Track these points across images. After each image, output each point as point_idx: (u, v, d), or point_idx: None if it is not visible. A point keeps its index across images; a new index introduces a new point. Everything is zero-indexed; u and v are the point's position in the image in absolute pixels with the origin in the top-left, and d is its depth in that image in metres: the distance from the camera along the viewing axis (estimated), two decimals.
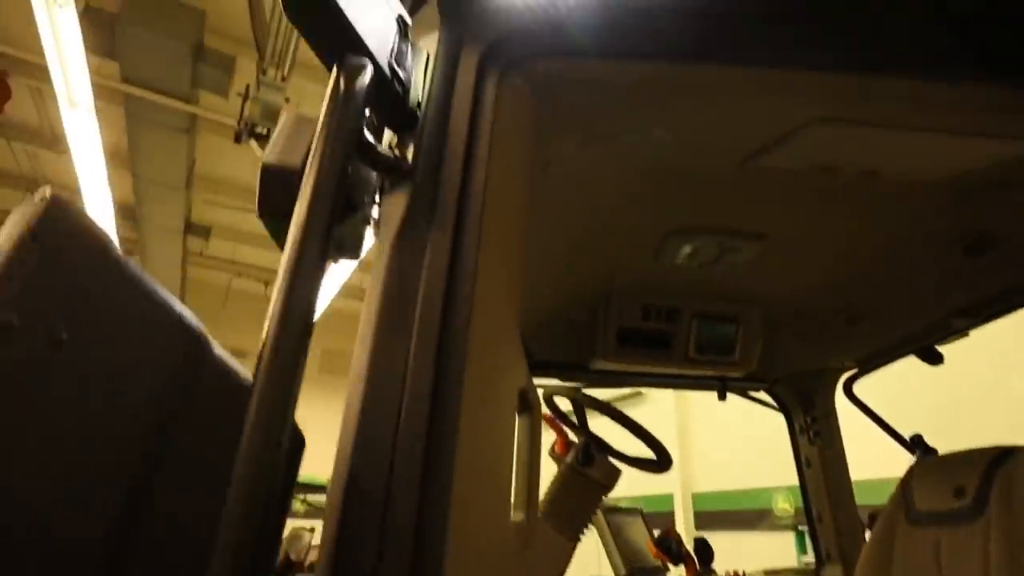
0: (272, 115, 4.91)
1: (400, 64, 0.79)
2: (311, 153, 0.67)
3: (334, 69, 0.68)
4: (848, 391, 2.37)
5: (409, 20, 0.85)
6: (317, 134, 0.66)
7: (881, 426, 2.30)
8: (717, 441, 7.05)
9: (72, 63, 4.80)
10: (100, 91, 5.67)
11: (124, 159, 7.21)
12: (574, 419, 2.14)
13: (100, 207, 6.99)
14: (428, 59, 0.87)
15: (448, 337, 0.72)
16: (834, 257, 1.74)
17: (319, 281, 0.66)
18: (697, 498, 7.37)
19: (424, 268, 0.74)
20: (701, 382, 2.38)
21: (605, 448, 1.93)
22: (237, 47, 5.78)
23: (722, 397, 2.34)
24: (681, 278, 1.91)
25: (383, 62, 0.75)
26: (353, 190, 0.81)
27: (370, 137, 0.81)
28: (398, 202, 0.78)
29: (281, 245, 0.89)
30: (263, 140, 5.03)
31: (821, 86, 1.00)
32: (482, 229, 0.78)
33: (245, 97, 5.18)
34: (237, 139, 5.10)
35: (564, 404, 2.20)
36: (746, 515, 6.66)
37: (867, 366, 2.31)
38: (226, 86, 5.71)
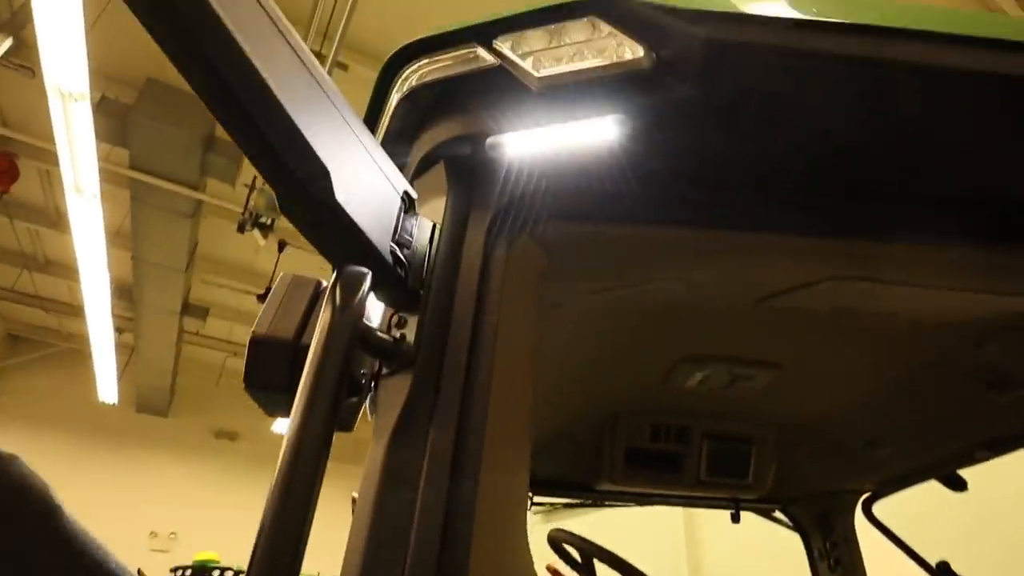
0: (276, 207, 4.99)
1: (402, 244, 0.76)
2: (312, 350, 0.62)
3: (333, 275, 0.65)
4: (868, 512, 2.26)
5: (415, 194, 0.83)
6: (316, 337, 0.62)
7: (904, 550, 2.17)
8: (732, 554, 6.63)
9: (81, 153, 4.90)
10: (107, 175, 5.77)
11: (125, 239, 7.26)
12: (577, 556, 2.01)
13: (97, 287, 6.96)
14: (435, 229, 0.84)
15: (449, 554, 0.65)
16: (850, 385, 1.69)
17: (321, 471, 0.60)
18: None
19: (424, 467, 0.68)
20: (713, 501, 2.27)
21: None
22: None
23: (736, 519, 2.22)
24: (691, 398, 1.85)
25: (384, 249, 0.71)
26: (353, 375, 0.76)
27: (370, 321, 0.77)
28: (397, 390, 0.73)
29: (271, 415, 0.84)
30: (266, 230, 5.06)
31: (831, 250, 0.98)
32: (488, 415, 0.73)
33: (251, 188, 5.27)
34: (240, 229, 5.15)
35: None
36: None
37: (886, 489, 2.21)
38: (234, 175, 5.82)
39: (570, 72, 0.85)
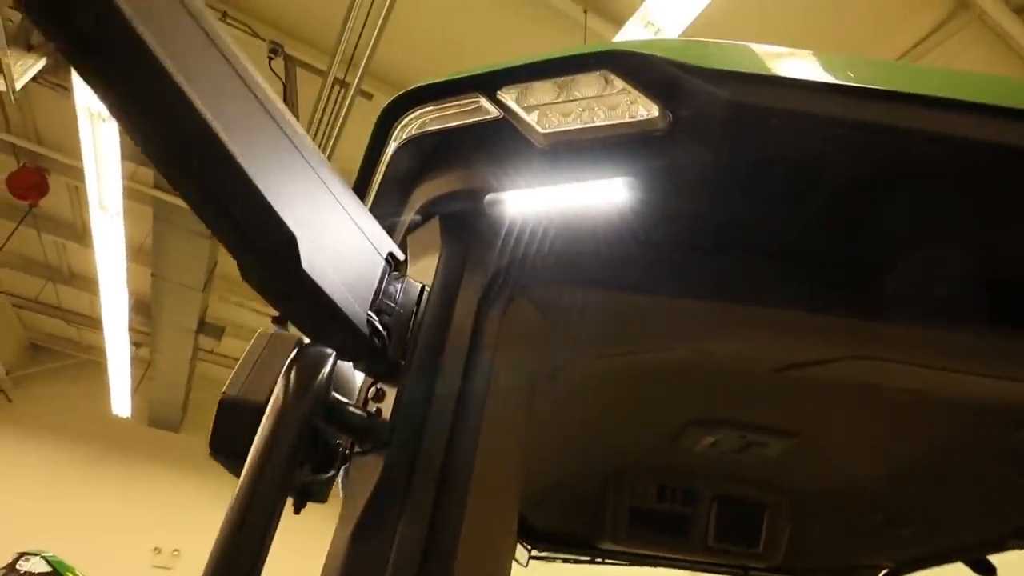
0: None
1: (383, 311, 0.71)
2: (259, 432, 0.56)
3: (293, 352, 0.59)
4: None
5: (401, 255, 0.77)
6: (269, 409, 0.56)
7: None
8: None
9: (107, 171, 4.98)
10: (132, 193, 5.86)
11: (146, 256, 7.34)
12: None
13: (116, 301, 7.04)
14: (423, 292, 0.79)
15: None
16: (872, 459, 1.59)
17: (265, 550, 0.53)
18: None
19: (389, 566, 0.61)
20: (721, 568, 2.14)
21: None
22: None
23: None
24: (701, 458, 1.75)
25: (359, 319, 0.66)
26: (329, 444, 0.70)
27: (353, 384, 0.71)
28: (368, 472, 0.67)
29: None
30: None
31: (851, 329, 0.91)
32: (466, 507, 0.66)
33: None
34: None
35: None
36: None
37: (907, 567, 2.07)
38: None
39: (578, 130, 0.79)
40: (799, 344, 0.97)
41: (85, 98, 4.22)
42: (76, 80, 4.01)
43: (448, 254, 0.82)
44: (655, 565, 2.12)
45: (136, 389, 9.49)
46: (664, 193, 0.80)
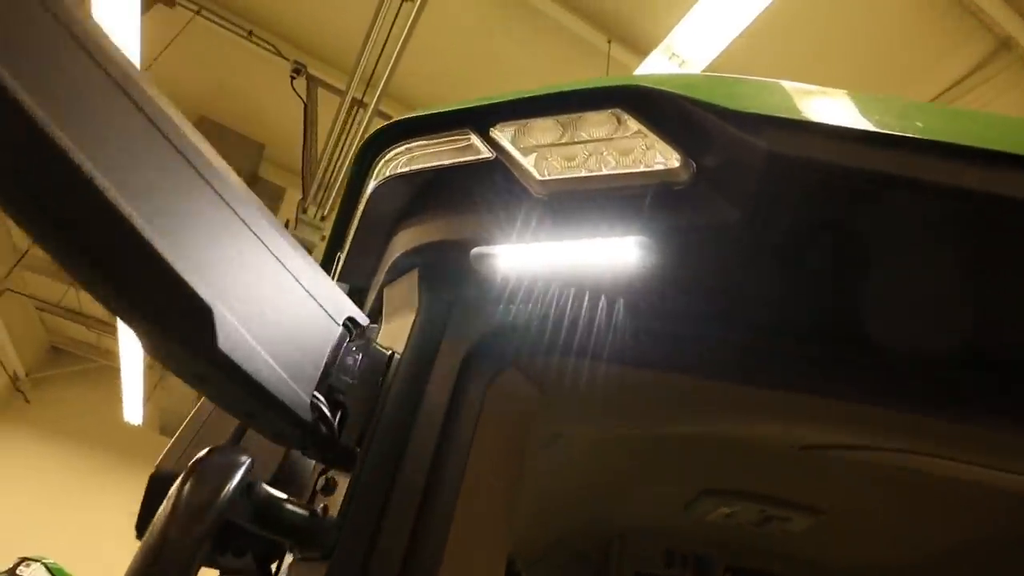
0: (307, 251, 4.96)
1: (337, 388, 0.59)
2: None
3: (191, 463, 0.48)
4: None
5: (364, 320, 0.66)
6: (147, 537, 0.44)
7: None
8: None
9: None
10: None
11: None
12: None
13: None
14: (392, 361, 0.67)
15: None
16: (909, 544, 1.42)
17: None
18: None
19: None
20: None
21: None
22: (290, 179, 6.00)
23: None
24: (714, 526, 1.60)
25: (299, 401, 0.54)
26: (265, 540, 0.58)
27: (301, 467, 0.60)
28: None
29: None
30: None
31: (885, 423, 0.77)
32: None
33: (285, 225, 5.27)
34: None
35: None
36: None
37: None
38: (274, 213, 5.85)
39: (583, 178, 0.67)
40: (822, 430, 0.84)
41: None
42: None
43: (425, 315, 0.70)
44: None
45: (149, 398, 9.49)
46: (682, 257, 0.67)
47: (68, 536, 8.48)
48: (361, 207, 0.83)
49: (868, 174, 0.59)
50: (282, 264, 0.55)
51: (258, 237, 0.53)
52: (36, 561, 5.96)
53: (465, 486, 0.62)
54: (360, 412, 0.61)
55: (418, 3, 3.51)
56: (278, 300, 0.54)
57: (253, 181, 5.66)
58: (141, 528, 0.61)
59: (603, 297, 0.71)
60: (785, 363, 0.74)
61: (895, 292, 0.70)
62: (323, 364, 0.57)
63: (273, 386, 0.49)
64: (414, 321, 0.70)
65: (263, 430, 0.54)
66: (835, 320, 0.74)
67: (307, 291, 0.58)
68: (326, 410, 0.56)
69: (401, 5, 3.63)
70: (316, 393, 0.56)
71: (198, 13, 4.95)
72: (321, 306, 0.60)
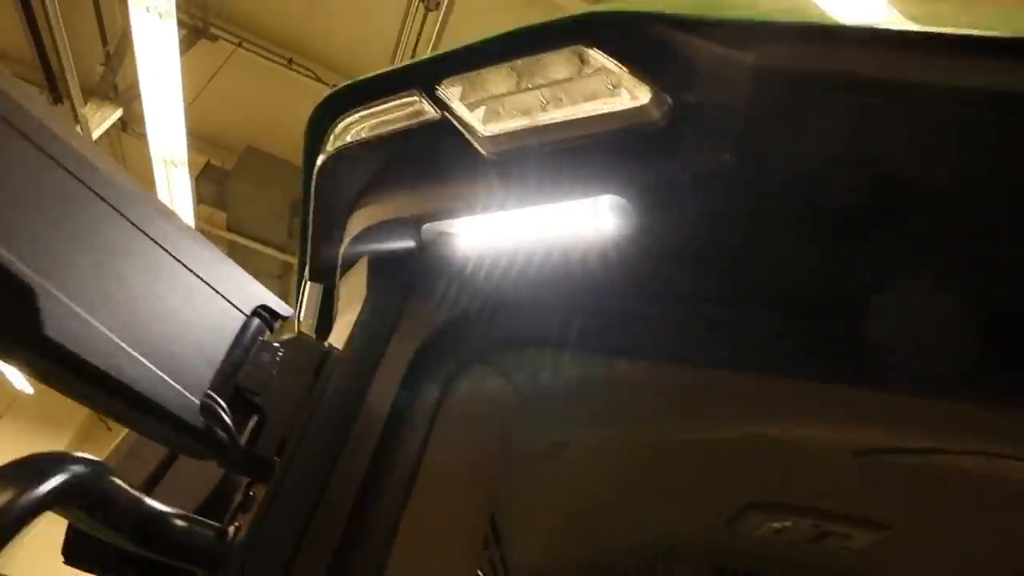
0: None
1: (248, 388, 0.50)
2: None
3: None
4: None
5: (286, 309, 0.56)
6: None
7: None
8: None
9: (181, 214, 5.18)
10: (206, 235, 6.08)
11: None
12: None
13: None
14: (327, 360, 0.57)
15: None
16: (988, 563, 1.22)
17: None
18: None
19: None
20: None
21: None
22: None
23: None
24: (768, 545, 1.43)
25: (181, 403, 0.45)
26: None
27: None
28: None
29: None
30: None
31: (951, 418, 0.61)
32: None
33: None
34: None
35: None
36: None
37: None
38: None
39: (535, 129, 0.56)
40: (874, 429, 0.69)
41: (159, 147, 4.41)
42: (150, 131, 4.19)
43: (372, 305, 0.60)
44: None
45: None
46: (667, 218, 0.55)
47: None
48: (313, 192, 0.74)
49: (896, 85, 0.45)
50: (166, 251, 0.48)
51: (133, 224, 0.46)
52: None
53: (414, 505, 0.52)
54: (281, 417, 0.52)
55: (443, 9, 3.50)
56: (155, 289, 0.45)
57: (296, 206, 5.78)
58: (66, 551, 0.54)
59: (578, 274, 0.60)
60: (814, 349, 0.60)
61: (944, 245, 0.55)
62: (219, 360, 0.49)
63: (140, 384, 0.41)
64: (359, 315, 0.60)
65: (144, 433, 0.45)
66: (873, 294, 0.59)
67: (201, 279, 0.50)
68: (223, 414, 0.47)
69: (426, 15, 3.63)
70: (211, 393, 0.47)
71: (239, 46, 5.12)
72: (220, 295, 0.51)
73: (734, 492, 1.19)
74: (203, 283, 0.50)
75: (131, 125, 5.22)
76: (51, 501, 0.38)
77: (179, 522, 0.47)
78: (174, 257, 0.48)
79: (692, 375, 0.64)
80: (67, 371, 0.38)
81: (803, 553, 1.45)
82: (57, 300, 0.37)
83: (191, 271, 0.49)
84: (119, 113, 4.40)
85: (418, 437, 0.54)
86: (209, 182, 5.78)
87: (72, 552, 0.54)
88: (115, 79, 4.61)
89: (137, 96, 3.93)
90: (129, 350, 0.41)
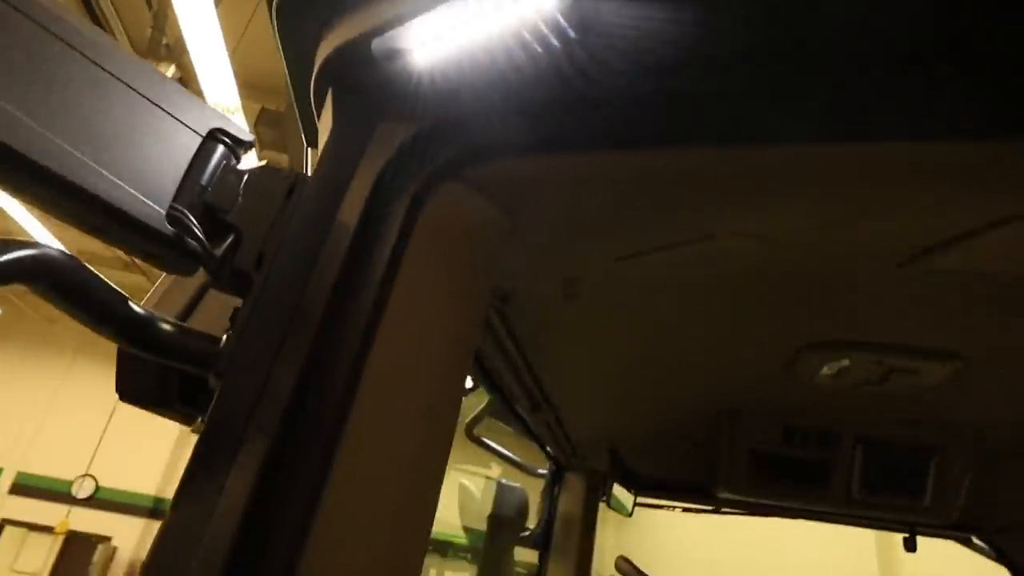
0: None
1: (217, 207, 0.54)
2: None
3: None
4: None
5: (247, 135, 0.59)
6: None
7: None
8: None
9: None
10: None
11: None
12: None
13: None
14: (299, 183, 0.60)
15: None
16: None
17: None
18: None
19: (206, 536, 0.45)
20: (874, 524, 1.78)
21: None
22: None
23: (910, 548, 1.71)
24: (836, 392, 1.41)
25: (152, 215, 0.50)
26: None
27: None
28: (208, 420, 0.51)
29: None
30: None
31: (1000, 169, 0.56)
32: (331, 481, 0.48)
33: None
34: None
35: None
36: None
37: None
38: None
39: None
40: (912, 206, 0.64)
41: (211, 95, 4.55)
42: (202, 81, 4.32)
43: (338, 131, 0.62)
44: (783, 516, 1.81)
45: None
46: None
47: None
48: (277, 36, 0.73)
49: None
50: (116, 78, 0.51)
51: (83, 55, 0.49)
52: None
53: (388, 321, 0.54)
54: (256, 234, 0.56)
55: None
56: (112, 113, 0.50)
57: None
58: (120, 388, 0.62)
59: (556, 63, 0.56)
60: (823, 103, 0.54)
61: None
62: (182, 178, 0.53)
63: (111, 195, 0.47)
64: (327, 140, 0.62)
65: (121, 246, 0.51)
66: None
67: (154, 103, 0.53)
68: (191, 224, 0.52)
69: None
70: (176, 205, 0.52)
71: None
72: (175, 117, 0.55)
73: (783, 335, 1.17)
74: (156, 106, 0.54)
75: (188, 83, 5.39)
76: (15, 272, 0.43)
77: (168, 327, 0.53)
78: (127, 85, 0.52)
79: (684, 157, 0.59)
80: (38, 183, 0.44)
81: (875, 400, 1.42)
82: (15, 118, 0.42)
83: (144, 96, 0.53)
84: (172, 70, 4.55)
85: (382, 255, 0.56)
86: (267, 127, 5.95)
87: (124, 390, 0.63)
88: (164, 39, 4.74)
89: (186, 51, 4.04)
90: (95, 166, 0.46)
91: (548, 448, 1.93)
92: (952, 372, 1.16)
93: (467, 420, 1.77)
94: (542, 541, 1.91)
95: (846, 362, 1.21)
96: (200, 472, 0.46)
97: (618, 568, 1.52)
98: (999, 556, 1.75)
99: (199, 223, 0.53)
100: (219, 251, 0.55)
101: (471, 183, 0.60)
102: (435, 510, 0.56)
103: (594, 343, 1.19)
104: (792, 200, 0.69)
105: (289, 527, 0.44)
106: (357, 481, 0.49)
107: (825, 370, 1.26)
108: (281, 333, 0.51)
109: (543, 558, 1.91)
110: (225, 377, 0.51)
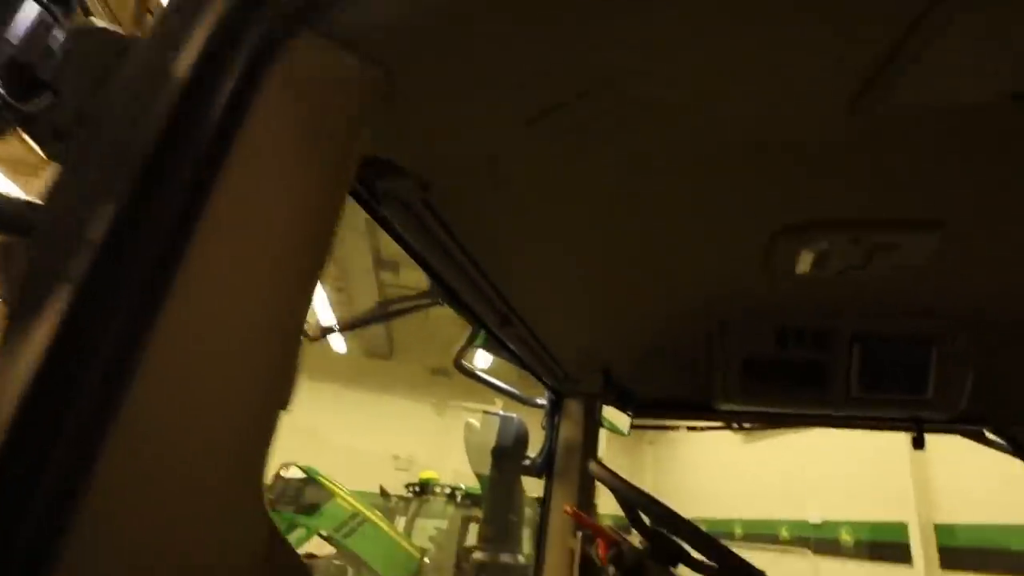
0: None
1: (24, 61, 0.50)
2: None
3: None
4: None
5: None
6: None
7: None
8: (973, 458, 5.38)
9: None
10: None
11: None
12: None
13: None
14: (129, 47, 0.55)
15: None
16: None
17: None
18: (942, 531, 5.73)
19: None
20: (878, 423, 1.72)
21: (667, 554, 1.29)
22: None
23: (918, 445, 1.65)
24: (826, 288, 1.35)
25: None
26: None
27: None
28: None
29: None
30: None
31: None
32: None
33: None
34: None
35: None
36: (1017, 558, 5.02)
37: None
38: None
39: None
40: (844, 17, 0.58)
41: None
42: None
43: None
44: (783, 425, 1.76)
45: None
46: None
47: (318, 445, 10.20)
48: None
49: None
50: None
51: None
52: (292, 465, 7.15)
53: (227, 177, 0.50)
54: (77, 91, 0.52)
55: None
56: None
57: None
58: None
59: None
60: None
61: None
62: None
63: None
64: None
65: None
66: None
67: None
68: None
69: None
70: None
71: None
72: None
73: (754, 223, 1.11)
74: None
75: None
76: None
77: None
78: None
79: None
80: None
81: (868, 296, 1.35)
82: None
83: None
84: None
85: (224, 104, 0.51)
86: None
87: None
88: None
89: None
90: None
91: (544, 378, 1.91)
92: (937, 244, 1.08)
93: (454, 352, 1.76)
94: (545, 468, 1.91)
95: (824, 244, 1.14)
96: (10, 335, 0.44)
97: (592, 472, 1.50)
98: (1016, 449, 1.68)
99: (6, 79, 0.50)
100: (29, 108, 0.51)
101: (327, 32, 0.55)
102: (288, 394, 0.53)
103: (543, 241, 1.14)
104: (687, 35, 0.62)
105: (96, 389, 0.41)
106: (179, 351, 0.46)
107: (803, 258, 1.19)
108: (97, 188, 0.48)
109: (548, 486, 1.91)
110: (35, 232, 0.48)
